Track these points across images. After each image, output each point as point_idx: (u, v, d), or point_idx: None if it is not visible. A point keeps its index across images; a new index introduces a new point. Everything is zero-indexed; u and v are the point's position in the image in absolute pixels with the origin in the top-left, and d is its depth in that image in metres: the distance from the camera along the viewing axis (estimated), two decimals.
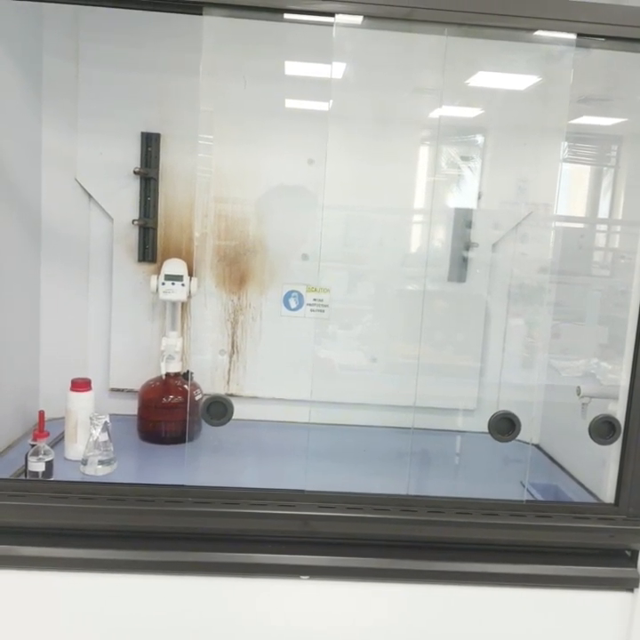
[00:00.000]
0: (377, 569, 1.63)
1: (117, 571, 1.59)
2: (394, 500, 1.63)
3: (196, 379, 2.38)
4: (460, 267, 2.54)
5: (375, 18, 1.53)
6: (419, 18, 1.52)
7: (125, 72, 2.33)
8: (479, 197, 2.53)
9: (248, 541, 1.63)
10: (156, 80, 2.34)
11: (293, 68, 2.44)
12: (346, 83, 2.12)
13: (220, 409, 1.64)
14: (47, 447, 1.90)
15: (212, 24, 1.57)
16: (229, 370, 2.53)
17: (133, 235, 2.42)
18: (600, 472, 1.83)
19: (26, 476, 1.87)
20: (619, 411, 1.72)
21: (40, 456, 1.87)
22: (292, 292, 2.51)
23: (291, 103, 2.48)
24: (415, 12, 1.51)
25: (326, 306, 2.50)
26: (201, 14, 1.53)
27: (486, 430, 1.77)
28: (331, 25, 1.54)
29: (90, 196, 2.39)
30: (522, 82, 2.44)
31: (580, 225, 2.70)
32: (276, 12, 1.51)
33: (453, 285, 2.53)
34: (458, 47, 1.72)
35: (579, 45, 1.61)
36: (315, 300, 2.50)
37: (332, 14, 1.49)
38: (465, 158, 2.56)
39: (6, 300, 2.10)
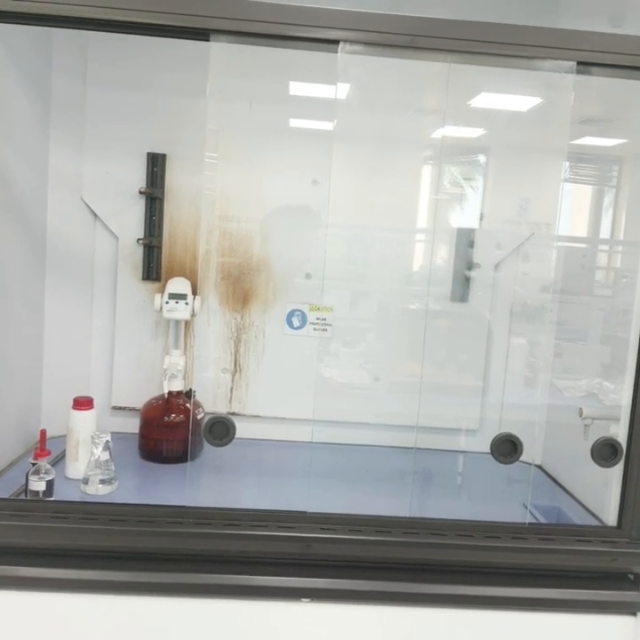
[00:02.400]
0: (378, 592, 1.62)
1: (118, 592, 1.58)
2: (396, 522, 1.63)
3: (199, 397, 2.38)
4: (462, 286, 2.55)
5: (378, 45, 1.55)
6: (421, 45, 1.55)
7: (132, 93, 2.37)
8: (481, 218, 2.55)
9: (249, 563, 1.62)
10: (162, 101, 2.37)
11: (298, 88, 2.48)
12: (350, 104, 2.15)
13: (222, 429, 1.65)
14: (48, 466, 1.90)
15: (219, 49, 1.60)
16: (232, 388, 2.53)
17: (138, 253, 2.44)
18: (603, 494, 1.82)
19: (26, 494, 1.87)
20: (621, 432, 1.72)
21: (41, 475, 1.87)
22: (296, 310, 2.51)
23: (295, 124, 2.52)
24: (417, 40, 1.54)
25: (329, 325, 2.51)
26: (208, 40, 1.55)
27: (488, 450, 1.77)
28: (335, 50, 1.56)
29: (95, 215, 2.42)
30: (524, 103, 2.47)
31: (582, 245, 2.72)
32: (281, 39, 1.53)
33: (456, 305, 2.54)
34: (460, 69, 1.75)
35: (579, 72, 1.63)
36: (318, 318, 2.50)
37: (336, 42, 1.52)
38: (467, 178, 2.59)
39: (10, 317, 2.12)
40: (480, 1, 2.29)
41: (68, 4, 1.47)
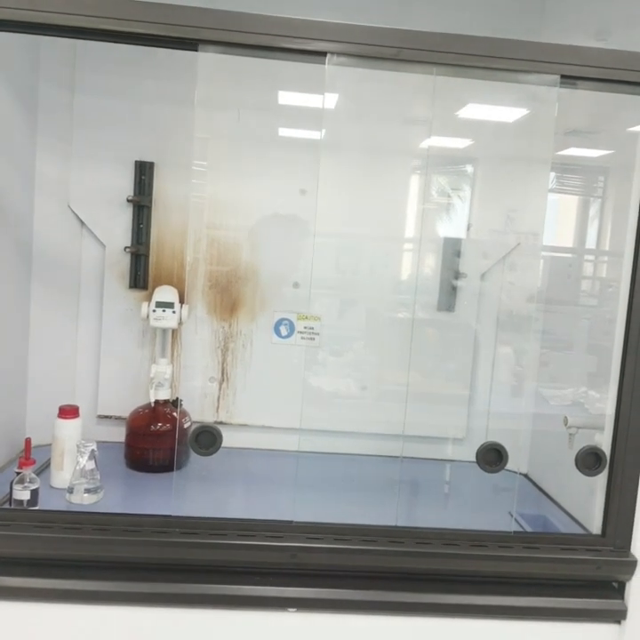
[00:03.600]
0: (365, 601, 1.61)
1: (103, 602, 1.57)
2: (382, 531, 1.63)
3: (186, 406, 2.37)
4: (449, 296, 2.57)
5: (365, 57, 1.57)
6: (406, 58, 1.56)
7: (120, 101, 2.38)
8: (468, 228, 2.57)
9: (235, 573, 1.61)
10: (150, 109, 2.38)
11: (286, 97, 2.49)
12: (337, 114, 2.17)
13: (209, 438, 1.64)
14: (33, 475, 1.88)
15: (207, 59, 1.61)
16: (219, 397, 2.53)
17: (125, 261, 2.44)
18: (588, 502, 1.84)
19: (10, 503, 1.85)
20: (605, 441, 1.74)
21: (25, 484, 1.85)
22: (283, 319, 2.52)
23: (284, 133, 2.53)
24: (403, 53, 1.55)
25: (317, 334, 2.52)
26: (196, 51, 1.56)
27: (474, 459, 1.77)
28: (323, 62, 1.58)
29: (82, 223, 2.41)
30: (510, 114, 2.51)
31: (568, 254, 2.74)
32: (269, 50, 1.54)
33: (443, 314, 2.56)
34: (447, 81, 1.77)
35: (563, 85, 1.66)
36: (305, 327, 2.51)
37: (323, 54, 1.53)
38: (454, 188, 2.61)
39: None
40: (466, 14, 2.33)
41: (58, 13, 1.48)
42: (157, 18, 1.50)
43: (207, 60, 1.62)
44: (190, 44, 1.55)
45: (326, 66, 1.58)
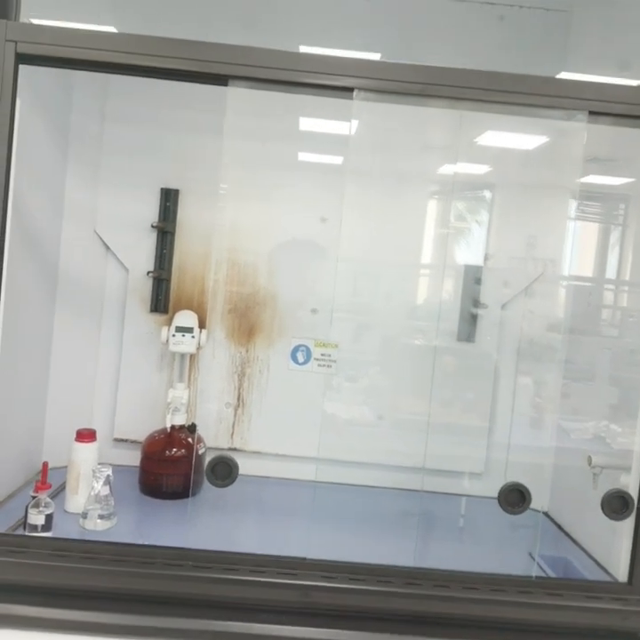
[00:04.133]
0: None
1: (114, 635, 1.54)
2: (398, 572, 1.59)
3: (201, 431, 2.36)
4: (469, 325, 2.54)
5: (391, 93, 1.57)
6: (432, 94, 1.56)
7: (149, 130, 2.42)
8: (486, 259, 2.55)
9: (247, 610, 1.58)
10: (177, 138, 2.41)
11: (308, 124, 2.52)
12: (360, 143, 2.18)
13: (225, 470, 1.62)
14: (48, 499, 1.88)
15: (237, 93, 1.63)
16: (234, 423, 2.52)
17: (147, 286, 2.46)
18: (611, 544, 1.78)
19: (25, 527, 1.85)
20: (631, 482, 1.69)
21: (40, 508, 1.85)
22: (300, 346, 2.50)
23: (305, 161, 2.55)
24: (428, 89, 1.56)
25: (334, 361, 2.49)
26: (226, 85, 1.58)
27: (494, 495, 1.73)
28: (350, 97, 1.59)
29: (107, 248, 2.44)
30: (531, 141, 2.50)
31: (588, 283, 2.71)
32: (297, 85, 1.55)
33: (462, 344, 2.53)
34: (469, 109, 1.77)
35: (590, 122, 1.65)
36: (322, 354, 2.49)
37: (351, 89, 1.54)
38: (475, 215, 2.60)
39: (18, 345, 2.12)
40: (491, 45, 2.34)
41: (95, 49, 1.51)
42: (190, 54, 1.53)
43: (237, 94, 1.64)
44: (221, 80, 1.57)
45: (354, 101, 1.59)
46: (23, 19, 1.58)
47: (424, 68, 1.56)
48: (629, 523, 1.66)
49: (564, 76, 2.17)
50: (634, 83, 2.04)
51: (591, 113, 1.62)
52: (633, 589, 1.62)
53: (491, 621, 1.59)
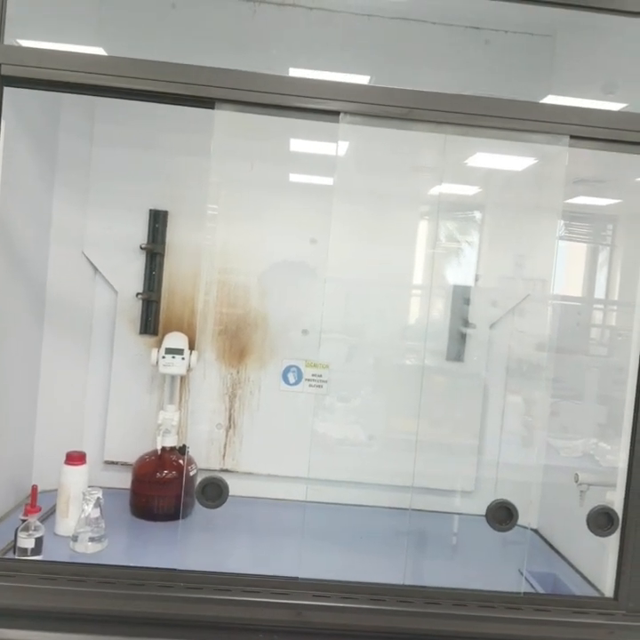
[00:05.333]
0: None
1: None
2: (390, 589, 1.60)
3: (192, 452, 2.36)
4: (458, 344, 2.56)
5: (376, 117, 1.62)
6: (417, 118, 1.61)
7: (137, 152, 2.44)
8: (477, 280, 2.58)
9: (239, 630, 1.58)
10: (165, 160, 2.44)
11: (297, 145, 2.56)
12: (347, 163, 2.22)
13: (215, 491, 1.63)
14: (38, 523, 1.87)
15: (223, 116, 1.66)
16: (225, 444, 2.51)
17: (136, 307, 2.46)
18: (600, 560, 1.79)
19: (15, 551, 1.83)
20: (617, 499, 1.71)
21: (30, 532, 1.84)
22: (291, 366, 2.52)
23: (295, 182, 2.58)
24: (413, 113, 1.60)
25: (325, 381, 2.51)
26: (213, 108, 1.62)
27: (483, 513, 1.75)
28: (336, 120, 1.63)
29: (96, 269, 2.45)
30: (519, 163, 2.55)
31: (578, 303, 2.74)
32: (283, 109, 1.59)
33: (451, 363, 2.55)
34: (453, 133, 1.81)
35: (571, 145, 1.70)
36: (313, 375, 2.51)
37: (337, 113, 1.58)
38: (463, 235, 2.64)
39: (7, 368, 2.12)
40: (478, 68, 2.39)
41: (81, 72, 1.54)
42: (175, 77, 1.56)
43: (223, 117, 1.67)
44: (207, 103, 1.61)
45: (340, 124, 1.62)
46: (9, 40, 1.57)
47: (409, 93, 1.61)
48: (615, 539, 1.68)
49: (550, 99, 2.22)
50: (617, 106, 2.10)
51: (572, 137, 1.67)
52: (618, 604, 1.63)
53: (480, 638, 1.60)
